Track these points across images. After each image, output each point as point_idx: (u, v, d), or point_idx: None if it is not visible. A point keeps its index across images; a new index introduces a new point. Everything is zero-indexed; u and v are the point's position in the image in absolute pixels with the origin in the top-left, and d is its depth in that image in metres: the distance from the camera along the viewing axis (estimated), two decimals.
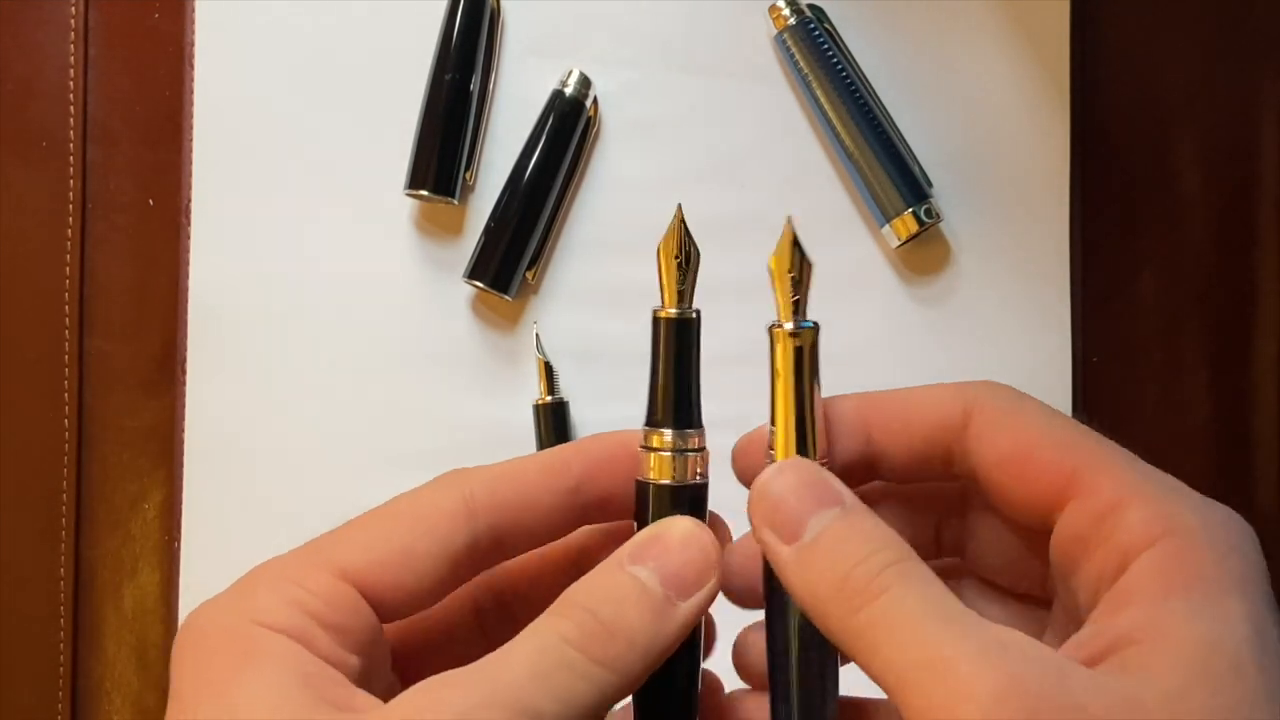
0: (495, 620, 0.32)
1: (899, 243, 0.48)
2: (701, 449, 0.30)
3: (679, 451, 0.29)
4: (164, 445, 0.51)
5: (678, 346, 0.29)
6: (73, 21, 0.51)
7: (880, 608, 0.26)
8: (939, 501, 0.32)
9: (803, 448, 0.29)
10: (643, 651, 0.26)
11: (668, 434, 0.29)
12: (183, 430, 0.50)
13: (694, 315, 0.30)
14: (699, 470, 0.30)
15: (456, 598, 0.31)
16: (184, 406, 0.50)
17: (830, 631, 0.27)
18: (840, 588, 0.27)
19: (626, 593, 0.27)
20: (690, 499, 0.29)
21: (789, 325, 0.29)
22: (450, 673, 0.26)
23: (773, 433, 0.29)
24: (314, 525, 0.50)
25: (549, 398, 0.49)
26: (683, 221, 0.29)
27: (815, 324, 0.29)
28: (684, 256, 0.29)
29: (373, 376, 0.50)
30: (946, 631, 0.26)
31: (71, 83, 0.51)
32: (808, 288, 0.29)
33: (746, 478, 0.30)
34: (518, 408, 0.49)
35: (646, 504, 0.29)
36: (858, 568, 0.27)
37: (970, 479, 0.30)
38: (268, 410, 0.50)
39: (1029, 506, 0.29)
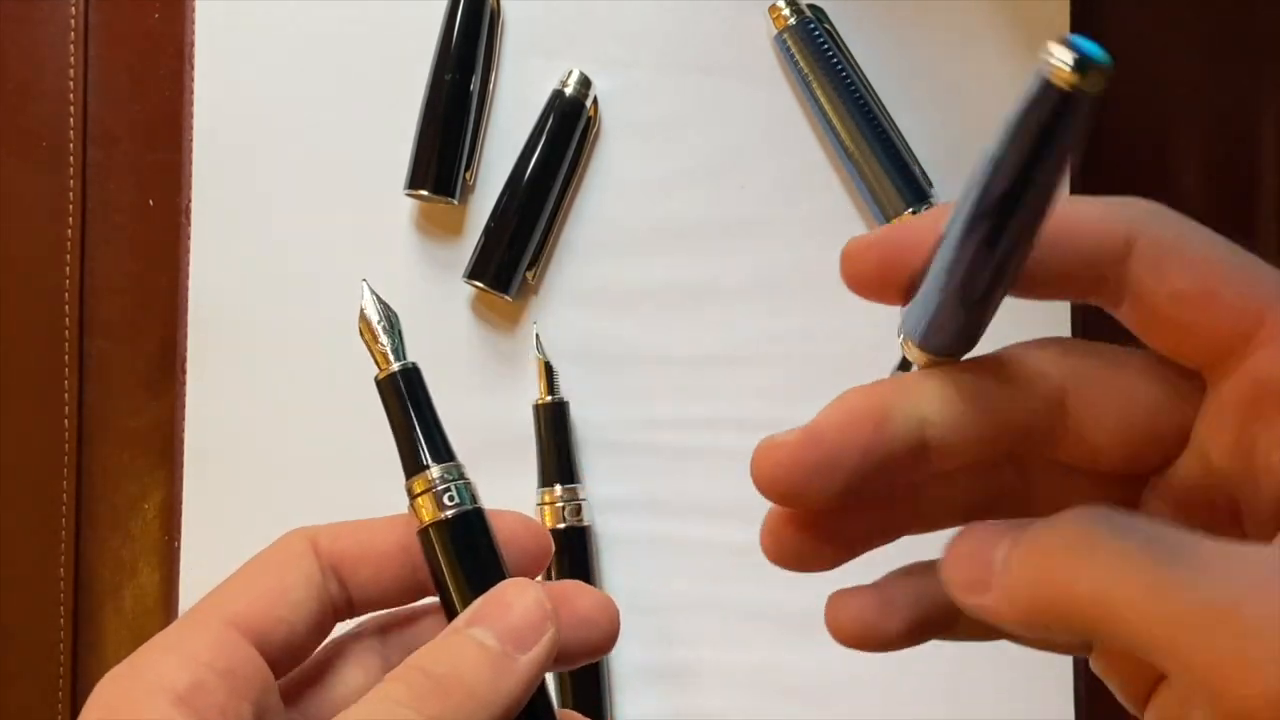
0: None
1: None
2: (462, 478, 0.30)
3: (444, 487, 0.29)
4: (164, 445, 0.51)
5: (411, 395, 0.32)
6: (73, 22, 0.51)
7: (1086, 564, 0.22)
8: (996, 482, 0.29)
9: None
10: (484, 703, 0.26)
11: (434, 470, 0.30)
12: (183, 430, 0.50)
13: (413, 365, 0.32)
14: (467, 498, 0.29)
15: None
16: (184, 406, 0.50)
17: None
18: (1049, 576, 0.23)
19: (463, 651, 0.27)
20: (465, 527, 0.29)
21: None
22: None
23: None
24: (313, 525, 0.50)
25: (549, 398, 0.49)
26: (373, 293, 0.33)
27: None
28: (386, 321, 0.32)
29: (373, 376, 0.50)
30: (1189, 573, 0.21)
31: (71, 83, 0.51)
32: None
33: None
34: (518, 408, 0.49)
35: (431, 549, 0.29)
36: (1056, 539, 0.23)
37: (1129, 313, 0.26)
38: (268, 410, 0.50)
39: (1204, 350, 0.25)
